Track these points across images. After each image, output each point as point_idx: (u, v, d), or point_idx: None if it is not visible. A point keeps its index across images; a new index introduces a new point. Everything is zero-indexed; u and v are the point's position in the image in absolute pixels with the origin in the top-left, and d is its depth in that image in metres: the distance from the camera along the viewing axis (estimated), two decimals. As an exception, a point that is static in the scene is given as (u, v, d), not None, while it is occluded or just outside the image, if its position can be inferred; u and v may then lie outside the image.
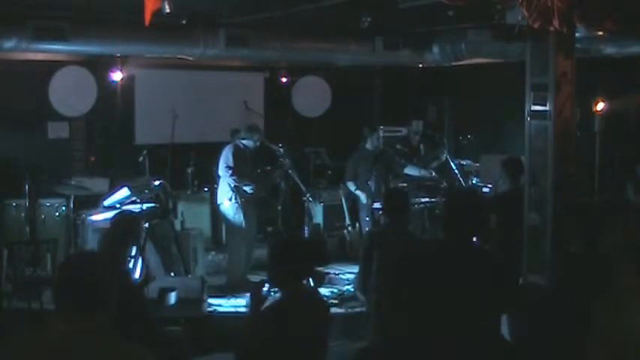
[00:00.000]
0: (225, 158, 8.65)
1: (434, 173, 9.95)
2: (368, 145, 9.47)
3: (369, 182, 9.31)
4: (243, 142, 8.79)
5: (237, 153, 8.70)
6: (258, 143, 8.85)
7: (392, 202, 6.16)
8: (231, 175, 8.57)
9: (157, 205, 8.36)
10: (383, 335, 3.55)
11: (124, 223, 5.54)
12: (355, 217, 9.89)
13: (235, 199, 8.62)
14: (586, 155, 9.30)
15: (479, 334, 3.73)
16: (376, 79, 12.66)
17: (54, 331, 2.69)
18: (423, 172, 9.88)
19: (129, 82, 10.51)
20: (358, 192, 9.36)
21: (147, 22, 5.34)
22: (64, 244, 8.65)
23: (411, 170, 9.80)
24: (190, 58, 9.02)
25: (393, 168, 9.68)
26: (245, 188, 8.61)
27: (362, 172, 9.35)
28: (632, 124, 9.78)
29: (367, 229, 9.12)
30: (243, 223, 8.68)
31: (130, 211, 7.21)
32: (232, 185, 8.61)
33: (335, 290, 8.59)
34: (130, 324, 4.12)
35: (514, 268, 6.15)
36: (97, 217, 7.98)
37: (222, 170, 8.65)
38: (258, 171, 9.32)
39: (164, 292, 6.11)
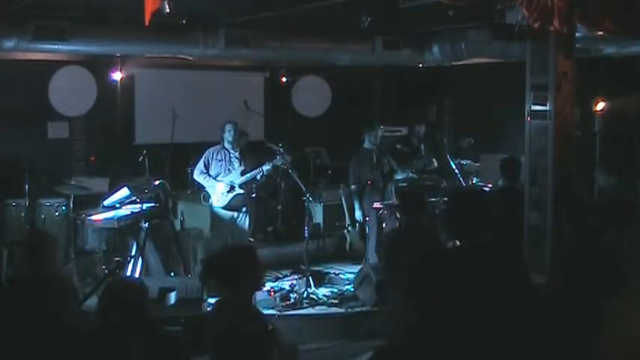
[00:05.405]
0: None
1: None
2: (366, 144, 9.45)
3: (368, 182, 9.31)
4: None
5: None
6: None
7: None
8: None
9: (157, 205, 8.35)
10: (403, 333, 3.52)
11: None
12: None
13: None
14: (586, 155, 9.30)
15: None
16: (376, 79, 12.66)
17: None
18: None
19: (129, 82, 10.51)
20: (355, 204, 9.39)
21: (147, 22, 5.35)
22: (64, 244, 8.63)
23: (398, 176, 9.80)
24: (190, 58, 9.01)
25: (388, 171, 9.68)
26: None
27: (364, 173, 9.33)
28: (632, 124, 9.78)
29: (369, 230, 9.22)
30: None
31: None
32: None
33: (335, 290, 8.58)
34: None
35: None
36: (97, 217, 7.97)
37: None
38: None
39: (164, 292, 6.11)
